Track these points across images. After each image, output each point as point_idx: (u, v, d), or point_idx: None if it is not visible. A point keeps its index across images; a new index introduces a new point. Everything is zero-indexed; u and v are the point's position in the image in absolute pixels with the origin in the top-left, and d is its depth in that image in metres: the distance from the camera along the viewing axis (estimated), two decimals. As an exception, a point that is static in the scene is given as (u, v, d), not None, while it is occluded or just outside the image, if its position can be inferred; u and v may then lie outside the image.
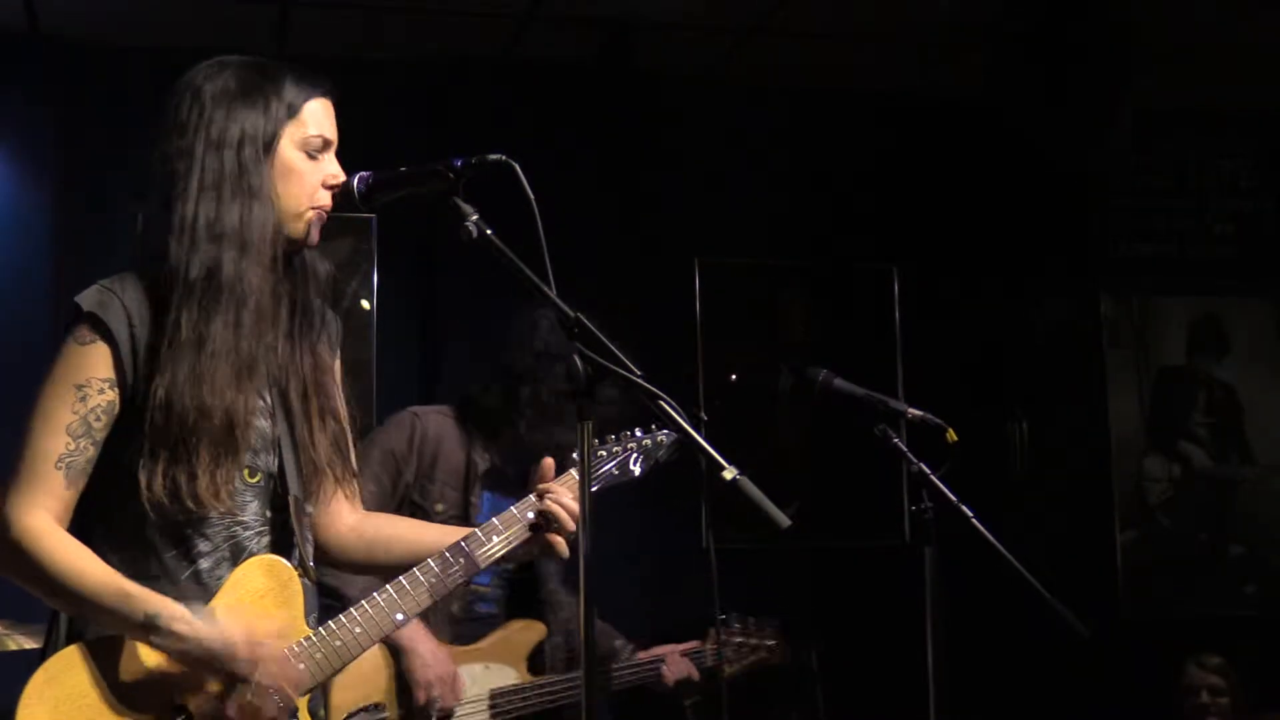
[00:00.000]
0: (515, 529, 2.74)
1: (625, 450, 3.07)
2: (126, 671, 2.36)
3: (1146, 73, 5.76)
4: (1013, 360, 6.50)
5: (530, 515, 2.74)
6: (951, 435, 3.30)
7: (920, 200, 6.47)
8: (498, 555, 2.73)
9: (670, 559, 5.77)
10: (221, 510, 2.47)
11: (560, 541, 2.73)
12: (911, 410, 3.41)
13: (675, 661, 4.23)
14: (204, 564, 2.48)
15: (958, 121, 6.41)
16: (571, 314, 2.24)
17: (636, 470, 3.09)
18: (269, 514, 2.56)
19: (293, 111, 2.53)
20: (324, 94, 2.59)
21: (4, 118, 5.75)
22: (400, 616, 2.62)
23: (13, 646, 4.31)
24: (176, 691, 2.39)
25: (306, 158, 2.54)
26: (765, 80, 6.41)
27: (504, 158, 2.35)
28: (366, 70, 5.70)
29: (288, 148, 2.52)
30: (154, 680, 2.38)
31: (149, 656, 2.38)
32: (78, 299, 2.43)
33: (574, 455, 2.57)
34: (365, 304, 5.87)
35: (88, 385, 2.39)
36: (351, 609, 2.59)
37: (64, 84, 5.72)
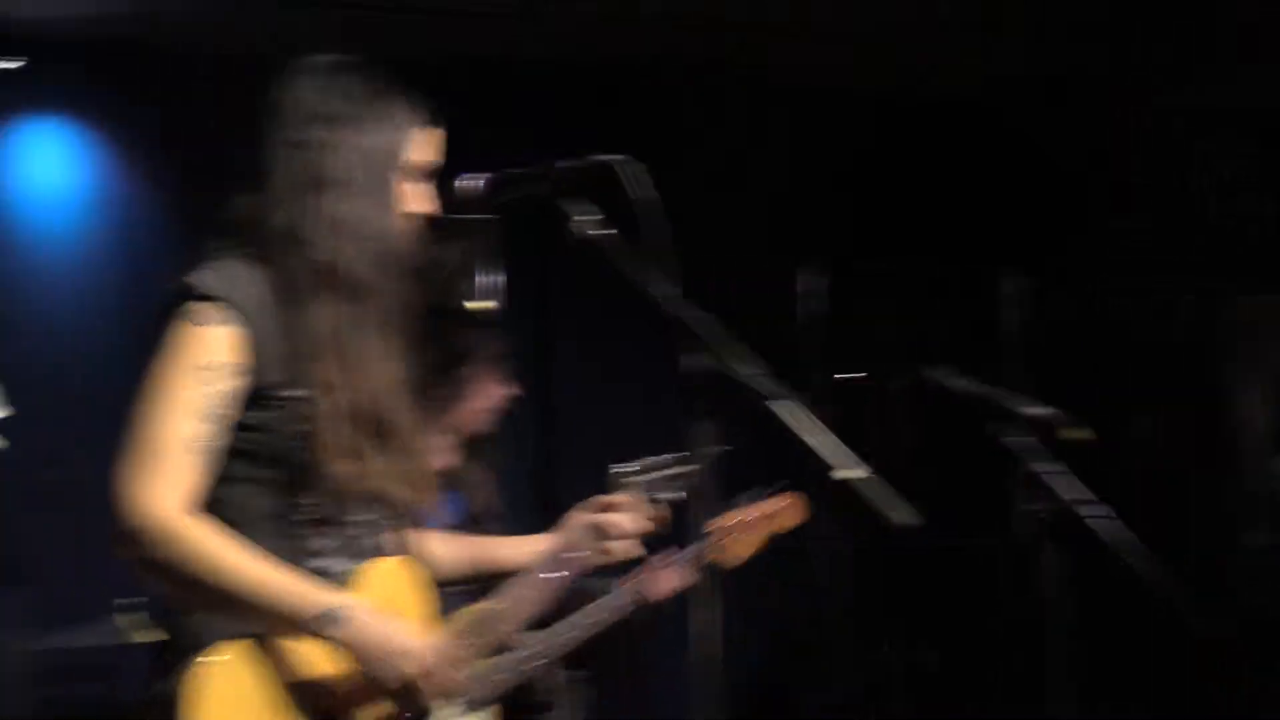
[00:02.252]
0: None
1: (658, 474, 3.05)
2: (288, 671, 2.31)
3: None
4: (1141, 359, 6.43)
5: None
6: (1082, 434, 3.26)
7: (1047, 201, 6.43)
8: None
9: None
10: (357, 506, 2.45)
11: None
12: (1032, 409, 3.37)
13: (658, 573, 3.57)
14: (328, 562, 2.42)
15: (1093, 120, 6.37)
16: (698, 316, 2.24)
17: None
18: (386, 514, 2.54)
19: (410, 134, 2.53)
20: (436, 122, 2.59)
21: (119, 122, 5.99)
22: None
23: (143, 640, 4.48)
24: (339, 695, 2.35)
25: (417, 178, 2.55)
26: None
27: (612, 157, 2.33)
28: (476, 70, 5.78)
29: (407, 165, 2.53)
30: (316, 681, 2.33)
31: (312, 657, 2.33)
32: (190, 280, 2.34)
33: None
34: (481, 304, 5.93)
35: (212, 368, 2.29)
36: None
37: (172, 88, 5.90)
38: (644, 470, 2.89)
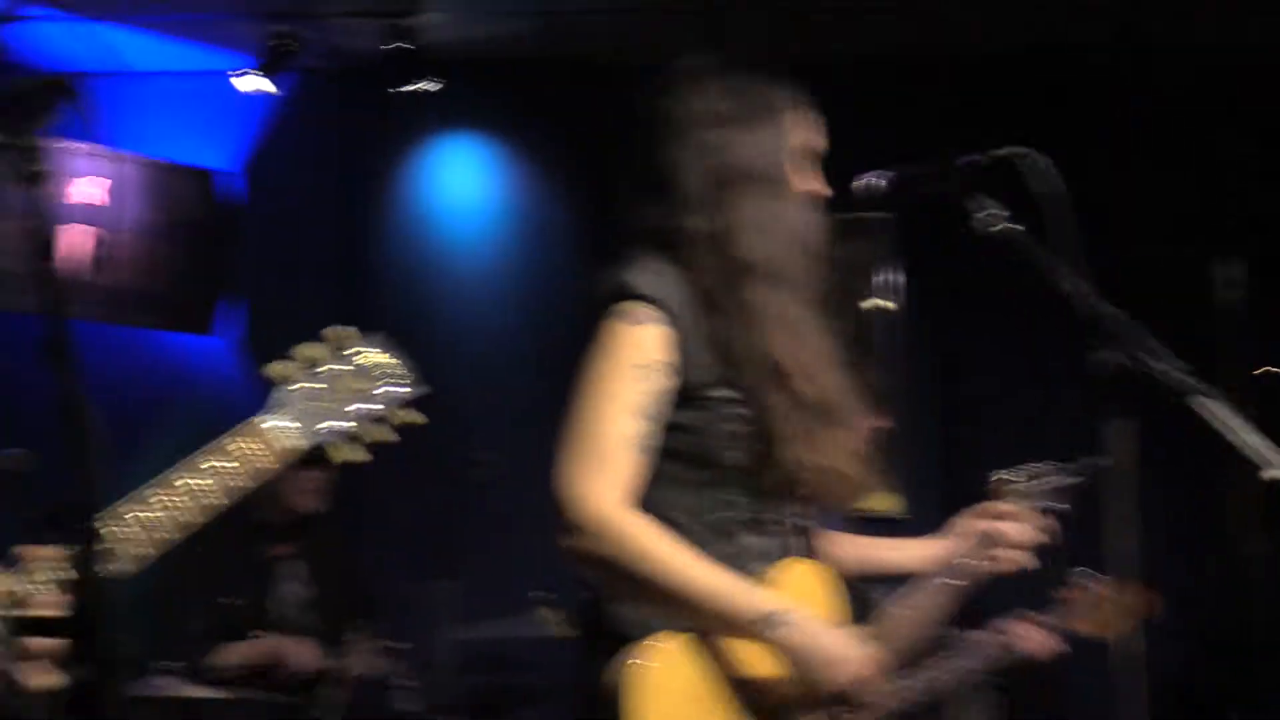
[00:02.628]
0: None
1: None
2: (726, 668, 2.33)
3: None
4: None
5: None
6: None
7: None
8: None
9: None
10: (775, 507, 2.46)
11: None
12: None
13: (1023, 630, 3.47)
14: (747, 563, 2.42)
15: None
16: (1110, 311, 2.17)
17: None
18: (800, 514, 2.53)
19: (794, 120, 2.54)
20: (815, 106, 2.59)
21: (528, 135, 6.28)
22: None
23: (561, 633, 4.66)
24: (776, 695, 2.36)
25: (806, 163, 2.55)
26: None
27: (1014, 151, 2.27)
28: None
29: (795, 150, 2.53)
30: (754, 680, 2.34)
31: (749, 655, 2.34)
32: (624, 280, 2.36)
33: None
34: (882, 304, 5.88)
35: (649, 367, 2.31)
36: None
37: (577, 100, 6.12)
38: (1030, 478, 2.80)
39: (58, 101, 1.42)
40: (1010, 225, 2.29)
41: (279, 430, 2.00)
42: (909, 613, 2.62)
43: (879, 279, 5.90)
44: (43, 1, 5.62)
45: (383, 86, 5.98)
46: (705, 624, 2.30)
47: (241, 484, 1.95)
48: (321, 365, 2.08)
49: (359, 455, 2.10)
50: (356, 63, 6.10)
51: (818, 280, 2.48)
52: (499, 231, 6.34)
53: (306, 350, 2.07)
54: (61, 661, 1.34)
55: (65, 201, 5.63)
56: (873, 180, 2.50)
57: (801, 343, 2.41)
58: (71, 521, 1.30)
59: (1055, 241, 2.20)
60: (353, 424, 2.08)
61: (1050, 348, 5.22)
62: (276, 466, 2.00)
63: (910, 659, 2.66)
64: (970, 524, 2.69)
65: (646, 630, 2.30)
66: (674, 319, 2.32)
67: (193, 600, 4.60)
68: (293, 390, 2.04)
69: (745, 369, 2.36)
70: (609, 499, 2.24)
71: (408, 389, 2.13)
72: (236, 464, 1.95)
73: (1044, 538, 2.72)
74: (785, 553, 2.47)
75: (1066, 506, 2.81)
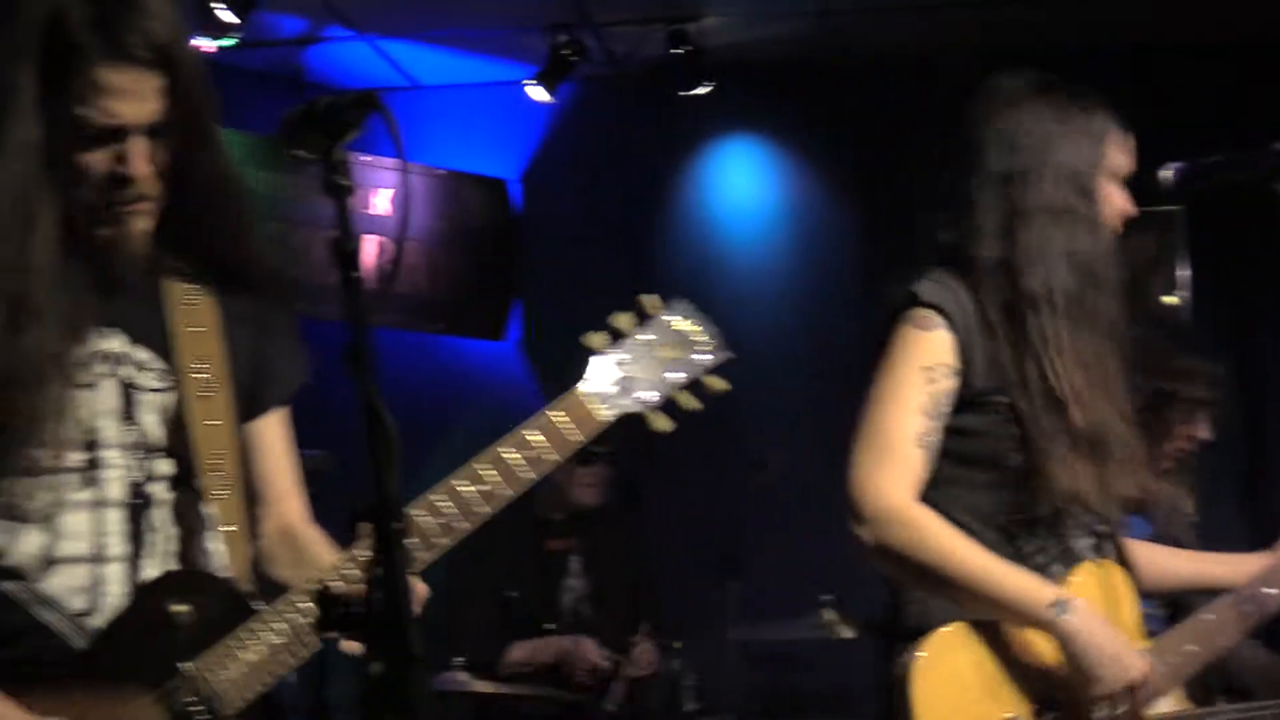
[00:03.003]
0: None
1: None
2: (1003, 656, 2.37)
3: None
4: None
5: None
6: None
7: None
8: None
9: None
10: (1069, 512, 2.45)
11: None
12: None
13: None
14: (1039, 564, 2.44)
15: None
16: None
17: None
18: (1097, 520, 2.52)
19: (1109, 142, 2.52)
20: (1124, 125, 2.55)
21: (814, 137, 6.25)
22: None
23: (843, 635, 4.63)
24: (1050, 683, 2.38)
25: (1115, 182, 2.53)
26: None
27: None
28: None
29: (1106, 177, 2.52)
30: (1030, 668, 2.38)
31: (1026, 644, 2.38)
32: (914, 288, 2.43)
33: None
34: (1168, 299, 5.68)
35: (935, 369, 2.39)
36: None
37: (864, 101, 6.08)
38: None
39: (363, 117, 1.48)
40: None
41: (596, 398, 2.09)
42: (1195, 631, 2.59)
43: (1165, 273, 5.71)
44: (340, 23, 5.89)
45: (661, 91, 6.05)
46: (991, 610, 2.35)
47: (548, 460, 2.04)
48: (633, 334, 2.16)
49: (665, 424, 2.16)
50: (635, 69, 6.19)
51: (1107, 308, 2.47)
52: (777, 234, 6.34)
53: (619, 319, 2.15)
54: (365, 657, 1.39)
55: (362, 212, 5.90)
56: (1163, 172, 2.46)
57: (1082, 374, 2.42)
58: (376, 520, 1.35)
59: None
60: (664, 392, 2.14)
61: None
62: (584, 440, 2.08)
63: (1186, 677, 2.58)
64: None
65: (933, 623, 2.36)
66: (958, 327, 2.39)
67: (479, 595, 4.71)
68: (607, 358, 2.12)
69: (1023, 392, 2.40)
70: (898, 491, 2.32)
71: (714, 355, 2.20)
72: (543, 441, 2.03)
73: None
74: (1078, 557, 2.47)
75: None
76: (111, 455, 1.93)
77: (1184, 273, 5.78)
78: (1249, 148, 2.31)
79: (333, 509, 2.07)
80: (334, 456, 3.84)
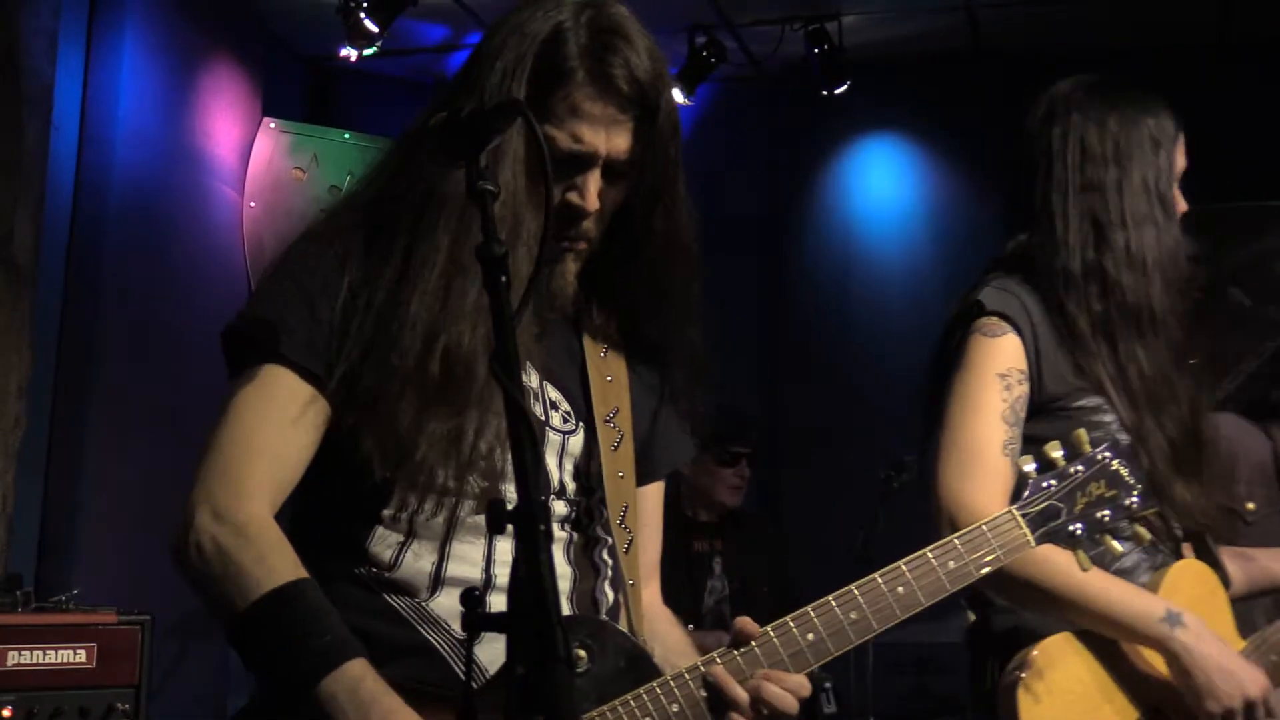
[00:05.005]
0: None
1: None
2: (1108, 666, 2.36)
3: None
4: None
5: None
6: None
7: None
8: None
9: None
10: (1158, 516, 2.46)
11: None
12: None
13: None
14: (1124, 564, 2.44)
15: None
16: None
17: None
18: (1180, 527, 2.54)
19: (1176, 146, 2.54)
20: (1180, 125, 2.57)
21: (954, 134, 6.17)
22: None
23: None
24: (1157, 694, 2.37)
25: (1178, 190, 2.55)
26: None
27: None
28: None
29: (1176, 182, 2.53)
30: (1136, 679, 2.37)
31: (1131, 654, 2.38)
32: (979, 296, 2.47)
33: None
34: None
35: (1010, 374, 2.40)
36: None
37: (1006, 97, 5.99)
38: None
39: (507, 123, 1.48)
40: None
41: (1026, 521, 2.06)
42: None
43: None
44: (481, 29, 5.96)
45: (801, 90, 6.03)
46: (1100, 625, 2.34)
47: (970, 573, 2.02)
48: (1065, 465, 2.11)
49: (1086, 563, 2.13)
50: (774, 69, 6.18)
51: (1185, 313, 2.48)
52: (918, 233, 6.29)
53: (1050, 449, 2.11)
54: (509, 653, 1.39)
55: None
56: None
57: (1159, 387, 2.43)
58: (520, 523, 1.36)
59: None
60: (1092, 529, 2.11)
61: None
62: (1004, 562, 2.04)
63: None
64: None
65: (1022, 632, 2.38)
66: (1025, 334, 2.41)
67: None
68: (1040, 484, 2.08)
69: (1117, 398, 2.41)
70: (988, 501, 2.28)
71: (1142, 502, 2.14)
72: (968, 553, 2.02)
73: None
74: (1165, 562, 2.47)
75: None
76: (508, 488, 1.84)
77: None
78: None
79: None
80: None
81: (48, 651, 3.62)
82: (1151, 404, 2.41)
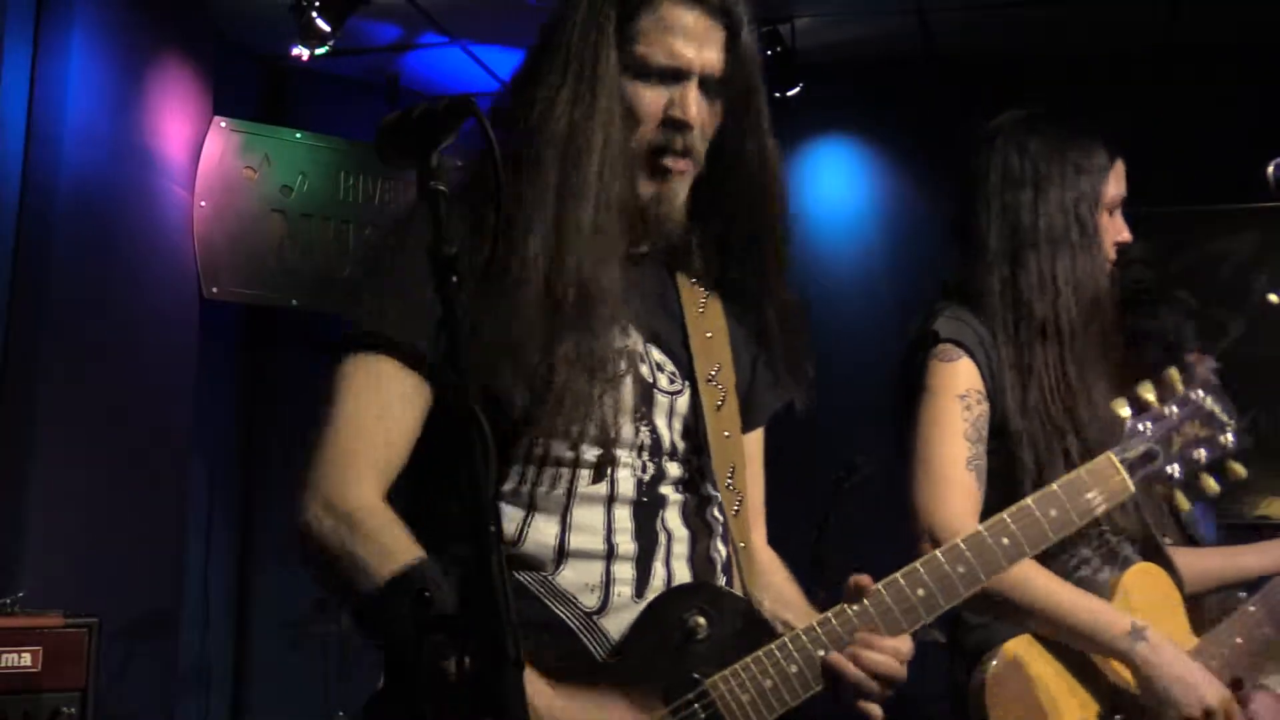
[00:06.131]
0: None
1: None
2: (1070, 668, 2.44)
3: None
4: None
5: None
6: None
7: None
8: None
9: None
10: (1107, 519, 2.53)
11: None
12: None
13: None
14: (1091, 570, 2.55)
15: None
16: None
17: None
18: (1129, 527, 2.61)
19: (1107, 176, 2.62)
20: (1120, 156, 2.65)
21: (906, 137, 6.21)
22: None
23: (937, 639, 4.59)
24: (1114, 690, 2.44)
25: (1108, 216, 2.63)
26: None
27: None
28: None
29: (1104, 209, 2.61)
30: (1095, 680, 2.44)
31: (1090, 658, 2.45)
32: (933, 325, 2.56)
33: None
34: (1274, 298, 5.58)
35: (968, 395, 2.49)
36: None
37: (957, 101, 6.02)
38: None
39: (457, 122, 1.48)
40: None
41: (1125, 465, 2.12)
42: (1240, 624, 2.62)
43: (1269, 271, 5.62)
44: (433, 29, 5.95)
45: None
46: (1066, 636, 2.42)
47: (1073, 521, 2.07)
48: (1161, 406, 2.17)
49: (1184, 504, 2.20)
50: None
51: (1106, 336, 2.57)
52: (869, 234, 6.31)
53: (1144, 389, 2.17)
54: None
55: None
56: (1269, 169, 2.52)
57: (1084, 400, 2.50)
58: (472, 522, 1.36)
59: None
60: (1188, 469, 2.16)
61: None
62: (1108, 508, 2.11)
63: (1237, 671, 2.58)
64: None
65: (995, 637, 2.46)
66: (978, 357, 2.52)
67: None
68: (1136, 427, 2.15)
69: (1025, 416, 2.51)
70: (956, 514, 2.38)
71: (1239, 439, 2.20)
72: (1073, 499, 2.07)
73: None
74: (1124, 561, 2.57)
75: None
76: (623, 454, 1.89)
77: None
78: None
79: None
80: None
81: (-7, 655, 3.62)
82: (1054, 419, 2.49)
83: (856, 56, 6.08)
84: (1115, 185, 2.63)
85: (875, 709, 1.84)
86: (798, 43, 5.77)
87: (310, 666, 5.13)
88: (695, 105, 1.91)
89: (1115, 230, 2.64)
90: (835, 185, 6.32)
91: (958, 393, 2.50)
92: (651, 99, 1.92)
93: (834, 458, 5.05)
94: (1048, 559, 2.44)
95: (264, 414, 6.20)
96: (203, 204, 5.74)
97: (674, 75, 1.92)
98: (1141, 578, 2.54)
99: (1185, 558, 2.80)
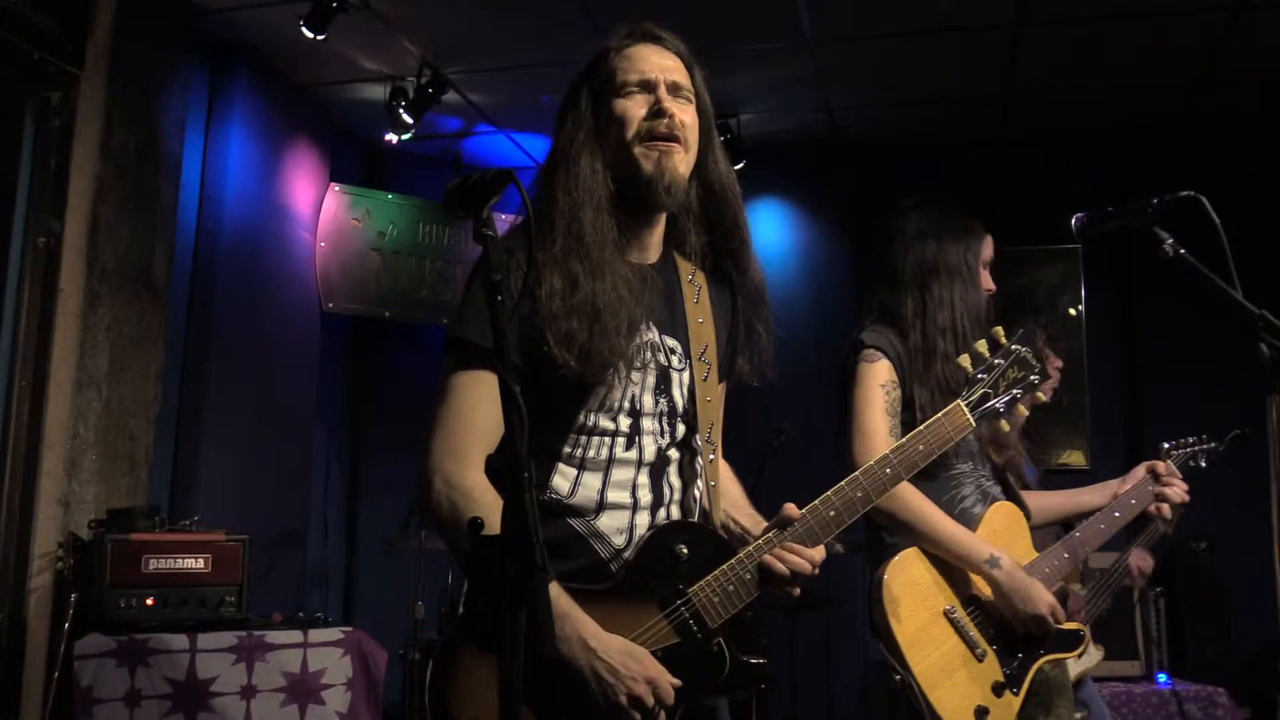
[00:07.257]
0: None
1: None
2: (944, 569, 2.46)
3: None
4: None
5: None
6: None
7: None
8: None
9: None
10: (981, 465, 2.61)
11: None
12: None
13: (1138, 555, 3.51)
14: (969, 505, 2.58)
15: None
16: (1256, 311, 2.01)
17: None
18: (994, 470, 2.66)
19: (980, 243, 2.69)
20: (987, 230, 2.71)
21: (820, 199, 6.17)
22: None
23: (839, 551, 4.56)
24: (973, 588, 2.48)
25: (984, 269, 2.69)
26: None
27: (1193, 194, 2.16)
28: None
29: (980, 265, 2.68)
30: (961, 578, 2.47)
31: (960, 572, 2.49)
32: (860, 336, 2.60)
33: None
34: (1073, 311, 5.59)
35: (887, 385, 2.54)
36: None
37: (855, 172, 6.02)
38: (1181, 447, 2.86)
39: (502, 187, 1.46)
40: (1179, 249, 2.19)
41: (968, 408, 2.11)
42: (1067, 544, 2.64)
43: (1070, 293, 5.63)
44: (486, 122, 5.92)
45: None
46: (942, 552, 2.47)
47: (928, 451, 2.03)
48: (991, 358, 2.17)
49: (1005, 427, 2.24)
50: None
51: (975, 339, 2.56)
52: (794, 272, 6.27)
53: (980, 346, 2.17)
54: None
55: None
56: (1073, 220, 2.47)
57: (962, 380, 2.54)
58: (508, 470, 1.33)
59: (1222, 263, 2.10)
60: (1009, 403, 2.16)
61: (1211, 342, 4.80)
62: (956, 441, 2.08)
63: (1062, 576, 2.61)
64: (1146, 471, 2.76)
65: (895, 548, 2.49)
66: (892, 359, 2.56)
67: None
68: (976, 376, 2.14)
69: (928, 392, 2.53)
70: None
71: (1041, 376, 2.17)
72: (933, 437, 2.04)
73: (1188, 499, 2.71)
74: (991, 498, 2.59)
75: (1203, 465, 2.87)
76: (647, 423, 1.84)
77: (1083, 292, 5.69)
78: (1134, 203, 2.27)
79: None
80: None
81: (177, 559, 3.63)
82: (946, 395, 2.47)
83: (784, 142, 6.06)
84: (987, 249, 2.69)
85: (795, 591, 1.83)
86: (742, 131, 5.75)
87: (399, 570, 5.11)
88: (669, 100, 1.84)
89: (985, 283, 2.68)
90: (769, 236, 6.29)
91: (880, 383, 2.53)
92: (634, 104, 1.85)
93: (766, 423, 5.05)
94: (943, 494, 2.51)
95: (366, 393, 6.18)
96: (322, 244, 5.71)
97: (647, 86, 1.85)
98: (1000, 511, 2.57)
99: (1038, 499, 2.81)
